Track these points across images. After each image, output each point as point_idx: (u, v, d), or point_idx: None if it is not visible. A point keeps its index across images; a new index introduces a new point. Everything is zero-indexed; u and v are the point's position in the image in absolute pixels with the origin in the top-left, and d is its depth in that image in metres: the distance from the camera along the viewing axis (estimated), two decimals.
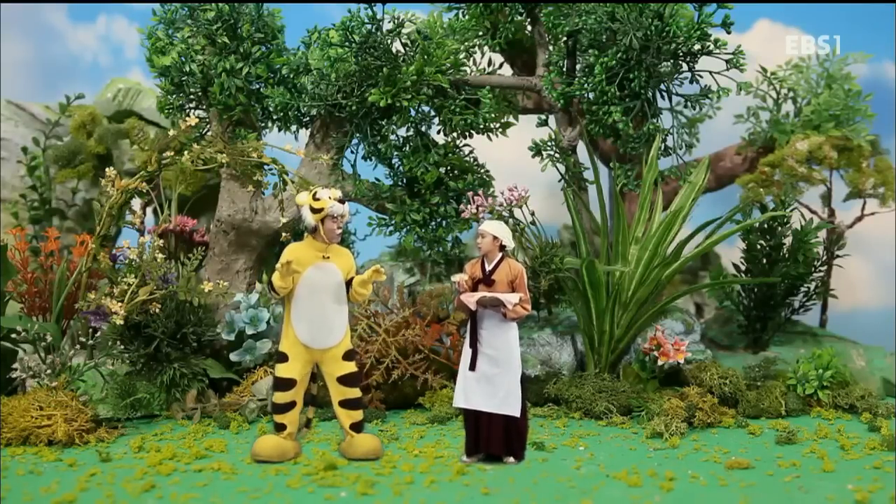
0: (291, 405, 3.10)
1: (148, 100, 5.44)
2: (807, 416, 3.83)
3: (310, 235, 3.09)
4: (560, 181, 4.50)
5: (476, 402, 3.06)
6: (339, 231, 3.07)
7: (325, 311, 3.07)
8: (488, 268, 3.08)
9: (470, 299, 3.03)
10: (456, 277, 3.07)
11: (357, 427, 3.14)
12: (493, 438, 3.06)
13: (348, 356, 3.12)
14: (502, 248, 3.09)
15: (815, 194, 4.96)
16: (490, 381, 3.05)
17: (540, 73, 4.52)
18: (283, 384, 3.09)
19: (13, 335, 3.70)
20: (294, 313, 3.07)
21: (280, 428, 3.11)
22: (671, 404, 3.60)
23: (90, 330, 3.84)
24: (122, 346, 3.86)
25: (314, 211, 3.03)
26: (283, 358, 3.10)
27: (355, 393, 3.13)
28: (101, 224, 3.88)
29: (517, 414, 3.05)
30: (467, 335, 3.10)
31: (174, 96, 4.40)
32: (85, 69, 6.52)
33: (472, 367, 3.06)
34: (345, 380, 3.11)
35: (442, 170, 4.41)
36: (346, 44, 4.21)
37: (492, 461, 3.07)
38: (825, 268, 4.60)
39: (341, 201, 3.05)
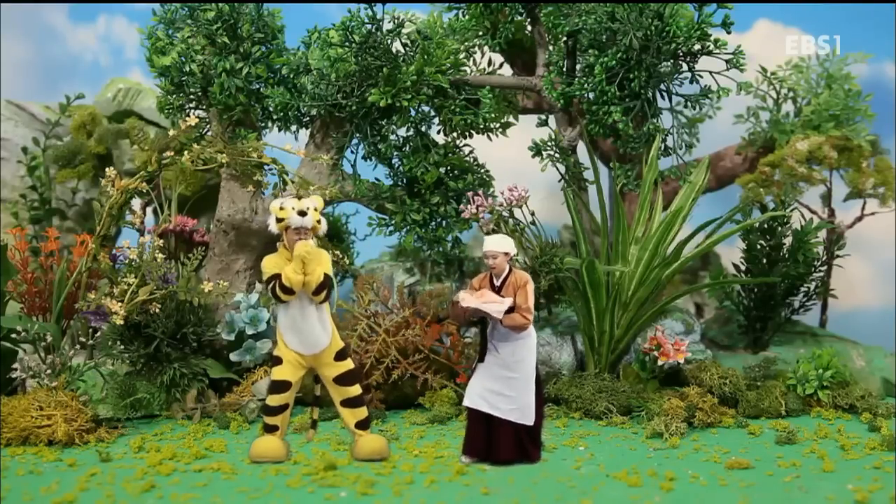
0: (284, 407, 3.10)
1: (148, 100, 5.44)
2: (807, 416, 3.83)
3: (281, 244, 3.07)
4: (560, 181, 4.50)
5: (487, 406, 3.04)
6: (302, 241, 2.99)
7: (307, 318, 3.05)
8: (497, 283, 3.05)
9: (460, 306, 2.99)
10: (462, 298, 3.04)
11: (363, 424, 3.13)
12: (503, 445, 3.03)
13: (340, 356, 3.12)
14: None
15: (815, 194, 4.95)
16: (506, 384, 3.03)
17: (540, 73, 4.52)
18: (278, 387, 3.09)
19: (13, 335, 3.70)
20: (282, 323, 3.07)
21: (272, 429, 3.11)
22: (671, 404, 3.60)
23: (90, 330, 3.84)
24: (122, 346, 3.86)
25: (277, 220, 3.01)
26: (277, 361, 3.10)
27: (355, 391, 3.13)
28: (101, 224, 3.88)
29: (530, 422, 3.04)
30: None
31: (174, 96, 4.40)
32: (85, 69, 6.52)
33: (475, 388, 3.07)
34: (341, 379, 3.11)
35: (442, 170, 4.41)
36: (346, 44, 4.21)
37: (495, 464, 3.05)
38: (825, 268, 4.60)
39: (303, 213, 2.97)
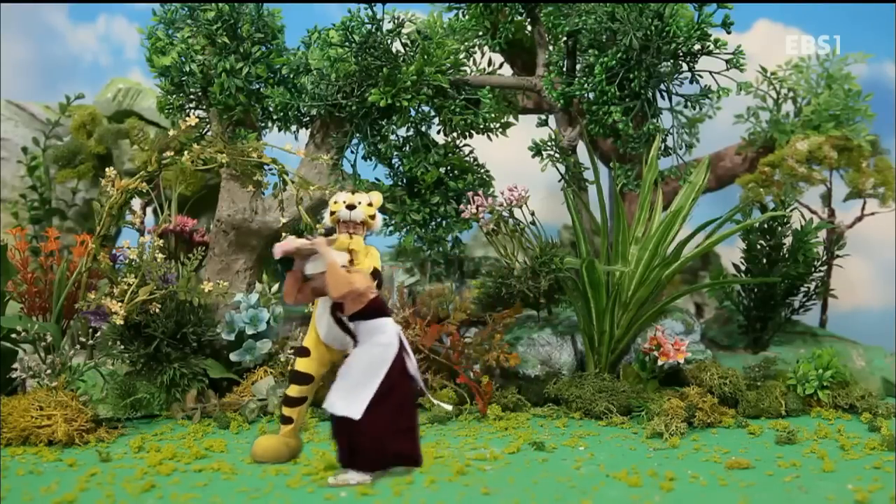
0: (303, 400, 3.09)
1: (148, 100, 5.44)
2: (807, 416, 3.83)
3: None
4: (560, 181, 4.50)
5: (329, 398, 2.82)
6: (351, 234, 3.01)
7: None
8: None
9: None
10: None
11: None
12: (339, 445, 2.82)
13: None
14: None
15: (815, 194, 4.96)
16: (342, 374, 2.82)
17: (540, 73, 4.52)
18: (301, 378, 3.08)
19: (13, 335, 3.70)
20: (319, 315, 3.05)
21: (287, 421, 3.10)
22: (671, 404, 3.60)
23: (90, 330, 3.84)
24: (122, 346, 3.86)
25: (331, 213, 3.04)
26: (304, 353, 3.08)
27: None
28: (101, 224, 3.88)
29: (352, 415, 2.75)
30: None
31: (174, 96, 4.40)
32: (85, 69, 6.53)
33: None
34: None
35: (442, 170, 4.41)
36: (346, 44, 4.21)
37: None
38: (825, 268, 4.60)
39: (351, 207, 2.99)
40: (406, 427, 2.84)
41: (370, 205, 3.03)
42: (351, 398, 2.78)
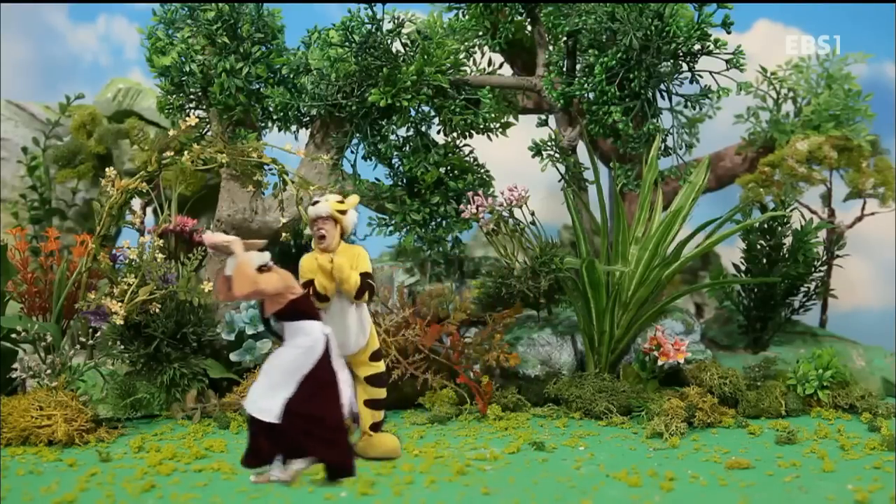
0: None
1: (148, 100, 5.44)
2: (807, 416, 3.83)
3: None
4: (560, 181, 4.50)
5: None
6: (320, 233, 2.97)
7: (345, 319, 3.03)
8: None
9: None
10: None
11: (377, 427, 3.14)
12: (253, 445, 2.83)
13: (375, 356, 3.12)
14: None
15: (815, 194, 4.96)
16: (264, 373, 2.81)
17: (540, 73, 4.52)
18: None
19: (13, 335, 3.70)
20: (324, 316, 3.04)
21: None
22: (671, 404, 3.60)
23: (90, 330, 3.84)
24: (122, 346, 3.86)
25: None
26: None
27: (381, 393, 3.13)
28: (101, 224, 3.88)
29: (269, 418, 2.75)
30: None
31: (174, 96, 4.40)
32: (85, 69, 6.53)
33: None
34: (372, 380, 3.11)
35: (442, 170, 4.41)
36: (346, 44, 4.21)
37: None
38: (825, 268, 4.60)
39: (314, 203, 2.97)
40: (331, 435, 2.79)
41: (342, 202, 2.98)
42: (268, 399, 2.77)
